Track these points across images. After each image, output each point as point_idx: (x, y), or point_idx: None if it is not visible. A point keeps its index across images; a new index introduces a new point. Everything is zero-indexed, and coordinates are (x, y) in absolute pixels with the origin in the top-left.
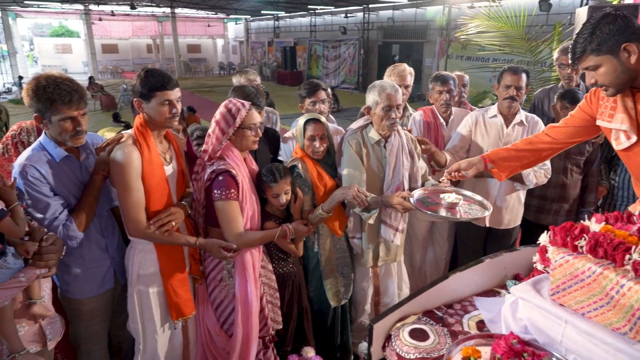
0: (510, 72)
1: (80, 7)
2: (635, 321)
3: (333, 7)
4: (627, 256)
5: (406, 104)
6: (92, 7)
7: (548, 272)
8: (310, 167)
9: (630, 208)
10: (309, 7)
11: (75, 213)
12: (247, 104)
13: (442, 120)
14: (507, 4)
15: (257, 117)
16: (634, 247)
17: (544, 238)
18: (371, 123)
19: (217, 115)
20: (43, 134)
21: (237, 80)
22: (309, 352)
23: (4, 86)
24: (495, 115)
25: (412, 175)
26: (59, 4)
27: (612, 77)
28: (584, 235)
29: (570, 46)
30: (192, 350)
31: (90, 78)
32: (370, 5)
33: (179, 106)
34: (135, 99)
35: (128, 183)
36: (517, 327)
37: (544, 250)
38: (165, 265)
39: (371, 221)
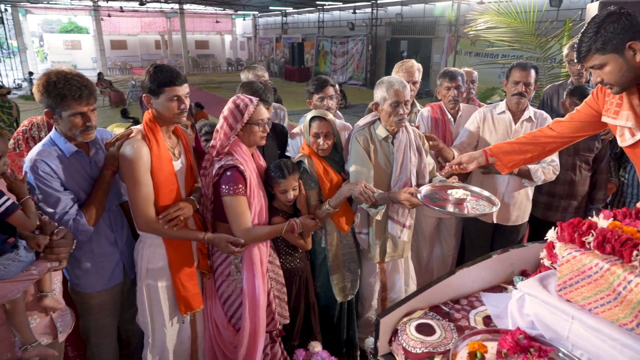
0: (519, 68)
1: (89, 3)
2: None
3: (341, 3)
4: (635, 252)
5: (414, 100)
6: (101, 3)
7: (555, 268)
8: (316, 163)
9: (639, 204)
10: (317, 3)
11: (85, 208)
12: (255, 99)
13: (449, 116)
14: (517, 0)
15: (264, 113)
16: None
17: (551, 234)
18: (379, 119)
19: (225, 111)
20: (53, 129)
21: (245, 76)
22: (316, 346)
23: (14, 82)
24: (503, 112)
25: (420, 171)
26: (68, 0)
27: (618, 76)
28: (592, 231)
29: (576, 45)
30: (200, 344)
31: (99, 74)
32: (379, 1)
33: (187, 102)
34: (144, 95)
35: (137, 178)
36: (523, 322)
37: (551, 246)
38: (174, 260)
39: (378, 217)
